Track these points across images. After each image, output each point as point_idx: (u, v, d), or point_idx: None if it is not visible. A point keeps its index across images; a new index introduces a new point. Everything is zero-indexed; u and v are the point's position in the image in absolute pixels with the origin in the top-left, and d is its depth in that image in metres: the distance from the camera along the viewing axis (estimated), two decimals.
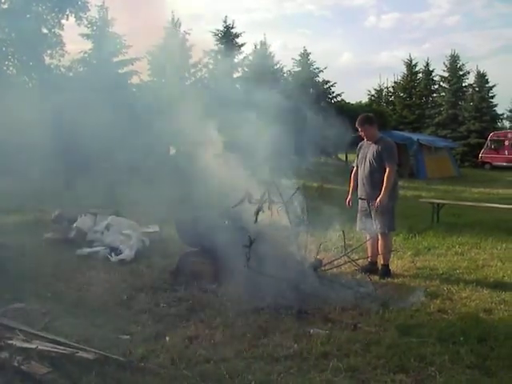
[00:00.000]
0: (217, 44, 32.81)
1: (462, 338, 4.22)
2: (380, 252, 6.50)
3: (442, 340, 4.27)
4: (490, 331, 4.43)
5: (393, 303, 5.25)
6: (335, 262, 6.39)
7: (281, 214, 6.41)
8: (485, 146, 33.07)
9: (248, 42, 33.28)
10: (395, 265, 6.88)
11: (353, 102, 40.06)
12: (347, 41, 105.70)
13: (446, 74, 39.95)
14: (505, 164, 31.97)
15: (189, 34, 26.95)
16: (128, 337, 4.47)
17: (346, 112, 34.73)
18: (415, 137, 26.11)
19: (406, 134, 28.64)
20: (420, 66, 41.85)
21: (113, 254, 7.29)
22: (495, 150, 32.63)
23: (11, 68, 21.99)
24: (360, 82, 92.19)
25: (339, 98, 36.97)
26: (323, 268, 6.23)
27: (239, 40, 32.54)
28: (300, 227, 6.38)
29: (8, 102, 8.30)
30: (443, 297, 5.52)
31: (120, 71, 23.39)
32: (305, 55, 35.66)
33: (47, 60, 22.20)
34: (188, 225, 6.40)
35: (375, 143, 6.49)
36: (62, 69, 22.11)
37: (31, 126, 7.80)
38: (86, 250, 7.46)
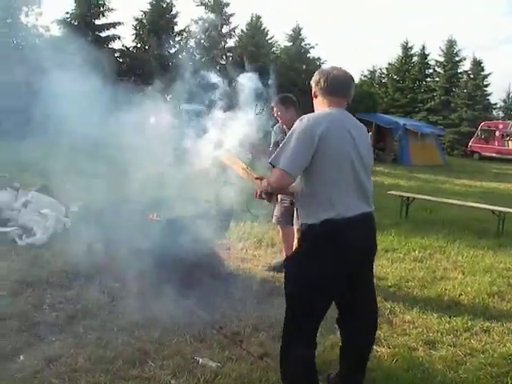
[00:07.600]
0: (206, 13, 31.50)
1: None
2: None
3: None
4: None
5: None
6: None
7: None
8: (475, 136, 32.13)
9: (237, 14, 31.73)
10: None
11: None
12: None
13: (441, 59, 38.78)
14: (494, 155, 31.10)
15: None
16: None
17: None
18: (401, 121, 25.17)
19: (393, 117, 27.62)
20: (416, 49, 40.61)
21: (23, 237, 6.35)
22: (485, 139, 31.66)
23: None
24: (358, 61, 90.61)
25: None
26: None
27: (228, 10, 31.14)
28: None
29: None
30: (382, 319, 4.38)
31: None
32: (296, 30, 34.33)
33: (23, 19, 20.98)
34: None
35: None
36: (40, 28, 20.88)
37: None
38: None
